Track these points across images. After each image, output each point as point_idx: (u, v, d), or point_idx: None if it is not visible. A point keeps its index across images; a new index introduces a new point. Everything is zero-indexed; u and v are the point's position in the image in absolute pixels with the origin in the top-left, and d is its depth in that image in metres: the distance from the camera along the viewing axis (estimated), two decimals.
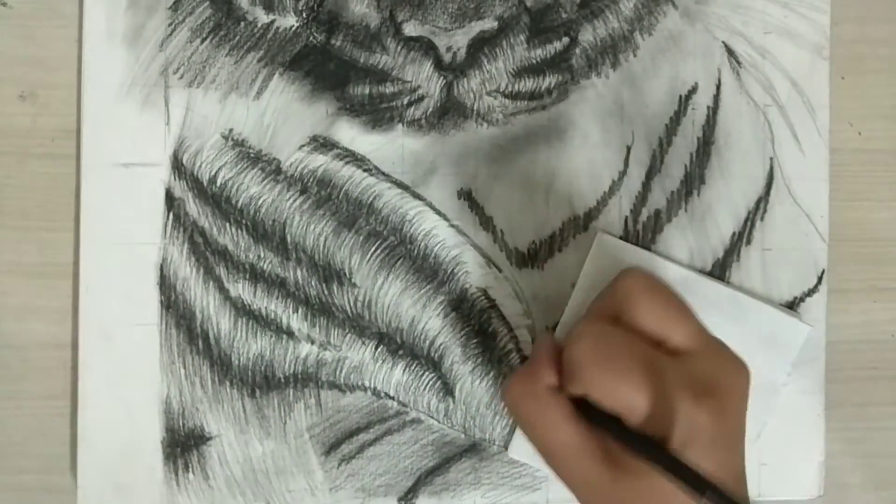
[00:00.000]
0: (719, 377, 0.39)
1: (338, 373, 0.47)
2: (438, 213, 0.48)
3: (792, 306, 0.49)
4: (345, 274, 0.47)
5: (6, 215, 0.47)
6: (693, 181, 0.49)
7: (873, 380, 0.50)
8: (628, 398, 0.37)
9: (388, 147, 0.47)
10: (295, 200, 0.47)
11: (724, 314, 0.48)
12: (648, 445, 0.37)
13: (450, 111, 0.47)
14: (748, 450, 0.40)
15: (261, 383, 0.47)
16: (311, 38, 0.47)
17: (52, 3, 0.47)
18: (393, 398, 0.47)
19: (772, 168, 0.49)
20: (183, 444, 0.46)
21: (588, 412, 0.39)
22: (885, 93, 0.50)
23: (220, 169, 0.47)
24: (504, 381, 0.47)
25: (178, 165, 0.46)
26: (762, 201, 0.49)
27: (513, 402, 0.40)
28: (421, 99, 0.47)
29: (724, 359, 0.40)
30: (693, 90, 0.48)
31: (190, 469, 0.47)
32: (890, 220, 0.51)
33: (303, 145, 0.47)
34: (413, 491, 0.48)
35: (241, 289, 0.47)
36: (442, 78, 0.46)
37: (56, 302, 0.47)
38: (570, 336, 0.40)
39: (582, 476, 0.39)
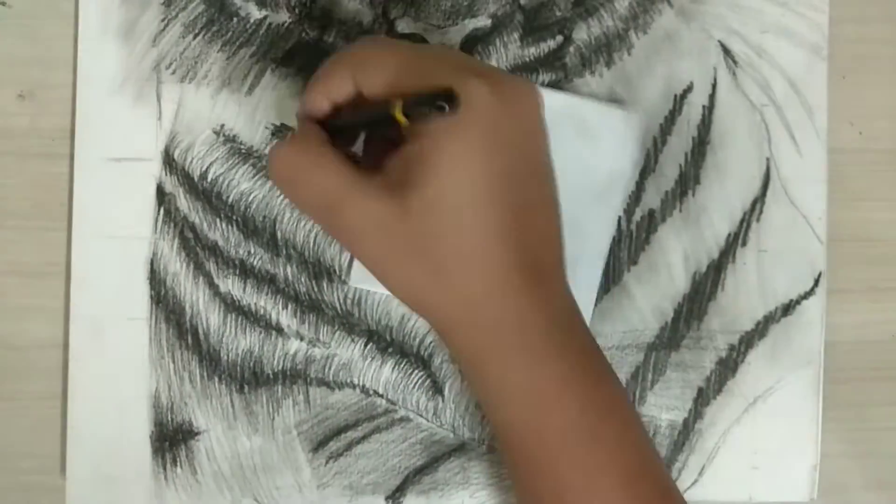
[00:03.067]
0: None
1: (327, 370, 0.47)
2: None
3: (788, 309, 0.49)
4: (335, 271, 0.47)
5: (5, 215, 0.47)
6: (688, 181, 0.48)
7: (874, 380, 0.50)
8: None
9: None
10: (286, 197, 0.47)
11: (568, 124, 0.46)
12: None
13: None
14: None
15: (249, 379, 0.47)
16: (303, 34, 0.47)
17: (52, 2, 0.47)
18: (382, 396, 0.47)
19: (768, 168, 0.48)
20: (171, 439, 0.47)
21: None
22: (886, 92, 0.50)
23: (211, 164, 0.47)
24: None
25: (169, 161, 0.46)
26: (758, 202, 0.48)
27: (279, 174, 0.38)
28: None
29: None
30: (688, 89, 0.48)
31: (178, 463, 0.47)
32: (891, 220, 0.50)
33: None
34: (401, 489, 0.47)
35: (230, 284, 0.47)
36: None
37: (55, 302, 0.47)
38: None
39: (371, 220, 0.35)
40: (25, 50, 0.47)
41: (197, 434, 0.47)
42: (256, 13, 0.46)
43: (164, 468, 0.47)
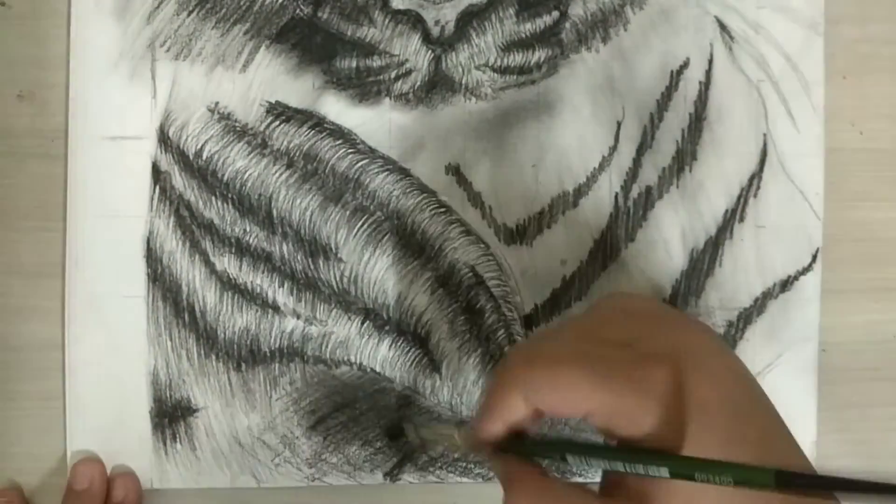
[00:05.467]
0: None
1: (323, 348, 0.47)
2: (426, 188, 0.47)
3: (786, 285, 0.48)
4: (331, 249, 0.47)
5: (4, 216, 0.47)
6: (685, 157, 0.48)
7: (875, 381, 0.50)
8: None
9: (376, 121, 0.47)
10: (281, 174, 0.47)
11: None
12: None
13: (438, 85, 0.47)
14: None
15: (246, 357, 0.47)
16: (297, 10, 0.46)
17: (51, 2, 0.47)
18: (379, 374, 0.47)
19: (765, 144, 0.48)
20: (170, 415, 0.47)
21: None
22: (886, 92, 0.50)
23: (206, 142, 0.47)
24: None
25: (164, 139, 0.46)
26: (755, 178, 0.48)
27: None
28: (408, 73, 0.46)
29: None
30: (685, 65, 0.48)
31: (178, 439, 0.47)
32: (892, 220, 0.50)
33: (290, 117, 0.47)
34: (399, 467, 0.48)
35: (226, 262, 0.47)
36: (430, 52, 0.46)
37: (54, 302, 0.47)
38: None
39: None
40: (25, 50, 0.47)
41: (195, 411, 0.47)
42: None
43: (165, 444, 0.47)
